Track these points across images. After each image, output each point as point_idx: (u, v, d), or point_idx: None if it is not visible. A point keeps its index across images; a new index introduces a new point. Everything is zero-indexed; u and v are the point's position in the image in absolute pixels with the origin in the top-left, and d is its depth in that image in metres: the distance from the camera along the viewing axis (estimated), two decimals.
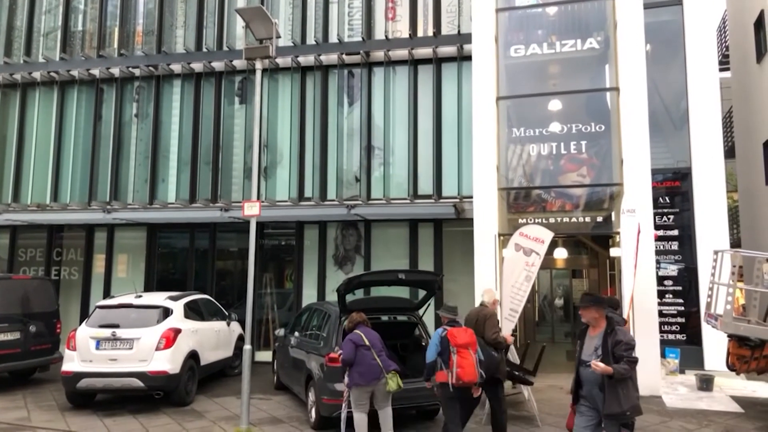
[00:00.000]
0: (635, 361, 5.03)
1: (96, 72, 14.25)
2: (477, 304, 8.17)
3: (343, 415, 6.89)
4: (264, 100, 13.09)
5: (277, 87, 13.64)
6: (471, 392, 6.39)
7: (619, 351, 5.02)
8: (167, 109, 14.13)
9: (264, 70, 12.54)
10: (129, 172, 14.09)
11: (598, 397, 5.06)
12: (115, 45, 14.47)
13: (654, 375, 9.55)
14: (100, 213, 13.38)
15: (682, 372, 10.92)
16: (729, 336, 8.75)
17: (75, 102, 14.45)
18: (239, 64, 13.55)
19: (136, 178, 14.00)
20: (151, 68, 14.03)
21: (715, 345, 10.64)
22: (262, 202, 11.71)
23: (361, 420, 6.76)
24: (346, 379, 6.82)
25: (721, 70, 13.70)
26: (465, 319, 7.18)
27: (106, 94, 14.44)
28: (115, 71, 14.20)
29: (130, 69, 14.15)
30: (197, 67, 13.83)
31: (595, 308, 5.26)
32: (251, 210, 8.24)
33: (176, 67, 13.92)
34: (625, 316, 9.52)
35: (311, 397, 7.92)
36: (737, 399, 9.27)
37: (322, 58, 13.20)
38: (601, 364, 4.94)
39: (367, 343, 6.78)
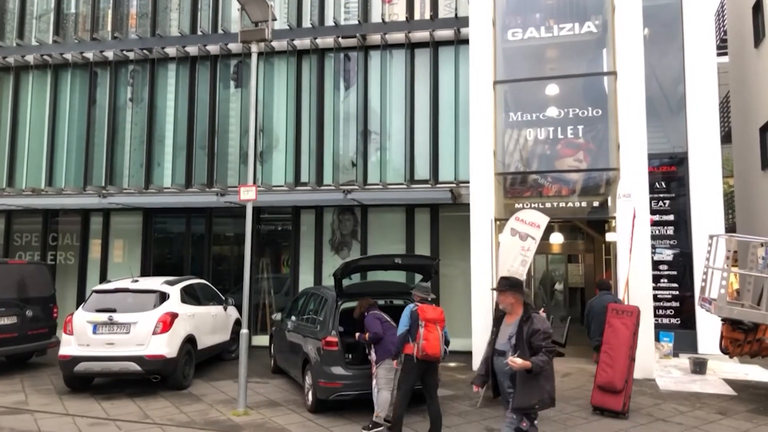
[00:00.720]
0: (553, 351, 4.76)
1: (89, 55, 14.12)
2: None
3: (375, 392, 7.02)
4: (260, 84, 12.99)
5: (273, 71, 13.55)
6: (433, 367, 6.63)
7: (537, 341, 4.71)
8: (162, 93, 14.03)
9: (259, 54, 12.48)
10: (124, 156, 14.03)
11: (509, 390, 4.82)
12: (109, 28, 14.32)
13: (648, 358, 9.64)
14: (95, 198, 13.33)
15: (675, 355, 11.02)
16: (722, 320, 8.83)
17: (69, 85, 14.32)
18: (234, 47, 13.43)
19: (131, 163, 13.93)
20: (145, 51, 13.90)
21: (708, 329, 10.73)
22: (258, 186, 11.65)
23: (386, 398, 6.90)
24: (373, 355, 7.05)
25: (718, 54, 13.65)
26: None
27: (100, 77, 14.32)
28: (109, 54, 14.07)
29: (124, 52, 14.02)
30: (192, 50, 13.71)
31: (512, 293, 4.95)
32: (247, 194, 8.22)
33: (171, 51, 13.79)
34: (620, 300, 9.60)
35: (308, 380, 7.97)
36: (730, 382, 9.37)
37: (318, 41, 13.10)
38: (519, 361, 4.63)
39: (388, 319, 7.10)
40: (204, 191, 13.22)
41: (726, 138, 17.11)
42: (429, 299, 6.90)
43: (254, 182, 8.74)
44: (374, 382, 7.10)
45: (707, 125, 11.73)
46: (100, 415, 7.75)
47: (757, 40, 14.77)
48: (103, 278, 13.51)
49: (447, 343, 6.67)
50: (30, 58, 14.42)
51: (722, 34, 18.32)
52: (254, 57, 8.71)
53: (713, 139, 11.70)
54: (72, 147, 14.15)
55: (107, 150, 13.95)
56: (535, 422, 4.91)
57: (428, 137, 12.49)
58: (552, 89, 10.92)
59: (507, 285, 4.99)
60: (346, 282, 8.16)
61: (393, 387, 6.98)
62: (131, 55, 13.96)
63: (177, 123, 13.72)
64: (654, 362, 9.89)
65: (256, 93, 9.23)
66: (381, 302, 8.77)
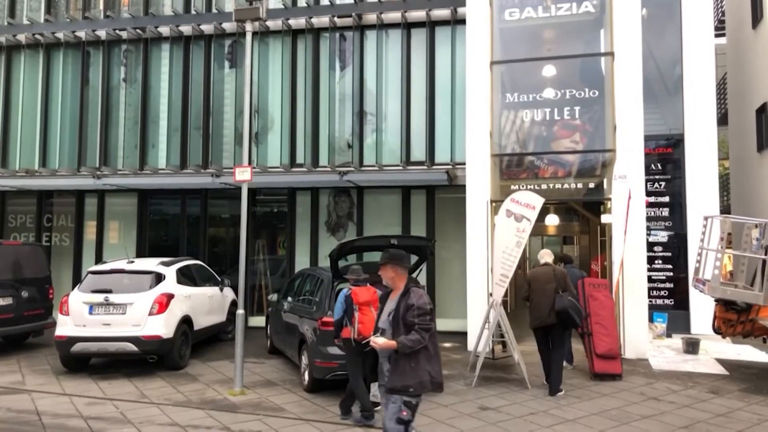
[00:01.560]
0: (428, 329, 4.33)
1: (82, 35, 13.95)
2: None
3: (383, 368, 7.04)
4: (254, 65, 12.87)
5: (268, 51, 13.42)
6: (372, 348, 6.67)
7: (410, 317, 4.32)
8: (156, 74, 13.89)
9: (254, 34, 12.29)
10: (118, 137, 13.93)
11: (388, 375, 4.46)
12: (101, 6, 14.13)
13: (641, 339, 9.73)
14: (89, 179, 13.26)
15: (669, 336, 11.12)
16: (716, 300, 8.90)
17: (61, 65, 14.16)
18: (229, 27, 13.28)
19: (125, 144, 13.85)
20: (138, 31, 13.73)
21: (702, 310, 10.82)
22: (254, 168, 11.61)
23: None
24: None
25: (716, 36, 13.56)
26: (536, 277, 7.97)
27: (92, 57, 14.16)
28: (102, 34, 13.89)
29: (117, 32, 13.84)
30: (186, 30, 13.55)
31: (392, 266, 4.56)
32: (242, 175, 8.19)
33: (164, 30, 13.63)
34: (614, 281, 9.66)
35: (304, 360, 8.02)
36: (722, 362, 9.47)
37: (314, 20, 12.95)
38: (381, 340, 4.37)
39: None
40: (199, 172, 13.16)
41: (722, 120, 17.07)
42: (362, 280, 6.97)
43: (249, 163, 8.71)
44: None
45: (704, 107, 11.70)
46: (97, 394, 7.80)
47: (755, 21, 14.68)
48: (98, 259, 13.49)
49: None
50: (22, 38, 14.24)
51: (720, 15, 18.20)
52: (249, 36, 8.62)
53: (710, 121, 11.69)
54: (65, 128, 14.04)
55: (101, 131, 13.84)
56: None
57: (424, 118, 12.43)
58: (549, 70, 10.85)
59: (387, 258, 4.60)
60: (342, 263, 8.16)
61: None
62: (124, 35, 13.79)
63: (171, 104, 13.60)
64: (647, 342, 9.98)
65: (251, 73, 9.14)
66: None
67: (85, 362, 9.22)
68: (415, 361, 4.35)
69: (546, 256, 8.35)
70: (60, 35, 14.03)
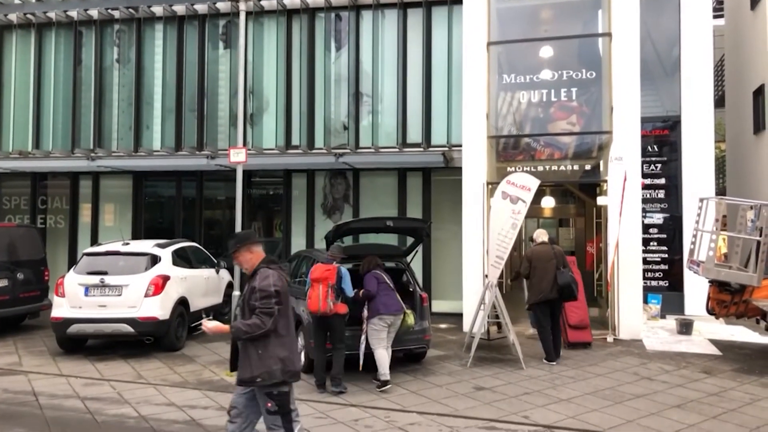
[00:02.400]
0: (270, 313, 4.01)
1: (74, 14, 13.73)
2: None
3: (362, 348, 7.25)
4: (249, 45, 12.70)
5: (263, 31, 13.26)
6: (331, 321, 6.98)
7: (253, 300, 4.05)
8: (150, 54, 13.73)
9: (248, 14, 12.19)
10: (112, 119, 13.81)
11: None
12: None
13: (635, 320, 9.80)
14: (84, 160, 13.17)
15: (663, 317, 11.19)
16: (710, 282, 8.95)
17: (53, 46, 13.97)
18: (223, 6, 13.08)
19: (119, 125, 13.73)
20: (131, 10, 13.54)
21: (696, 291, 10.88)
22: (249, 149, 11.56)
23: (382, 355, 7.09)
24: (365, 312, 7.20)
25: (714, 17, 13.47)
26: (537, 255, 8.32)
27: (85, 37, 13.98)
28: (94, 13, 13.69)
29: (110, 11, 13.64)
30: (179, 9, 13.36)
31: (245, 249, 4.27)
32: (237, 156, 8.17)
33: (158, 10, 13.44)
34: (610, 263, 9.71)
35: (300, 341, 8.03)
36: (715, 342, 9.55)
37: (309, 0, 12.79)
38: (210, 324, 4.15)
39: (387, 280, 7.24)
40: (194, 154, 13.08)
41: (719, 102, 17.04)
42: (325, 257, 7.35)
43: (244, 145, 8.67)
44: (362, 338, 7.27)
45: (701, 89, 11.66)
46: (94, 375, 7.83)
47: (754, 2, 14.57)
48: (93, 241, 13.45)
49: (343, 297, 7.00)
50: (13, 17, 14.02)
51: None
52: (242, 16, 8.55)
53: (707, 103, 11.65)
54: (58, 109, 13.90)
55: (95, 112, 13.71)
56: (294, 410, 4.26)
57: (421, 100, 12.35)
58: (546, 51, 10.77)
59: (235, 243, 4.30)
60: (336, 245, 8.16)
61: (387, 345, 7.18)
62: (116, 14, 13.59)
63: (165, 85, 13.47)
64: (641, 324, 10.05)
65: (245, 54, 9.08)
66: None
67: (82, 343, 9.24)
68: (263, 348, 4.06)
69: (542, 235, 8.70)
70: (52, 15, 13.82)
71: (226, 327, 4.13)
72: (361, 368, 7.27)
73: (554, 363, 8.17)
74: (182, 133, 13.36)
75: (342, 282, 7.02)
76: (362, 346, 7.27)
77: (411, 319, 7.39)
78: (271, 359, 4.06)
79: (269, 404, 4.11)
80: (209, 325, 4.18)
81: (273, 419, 4.15)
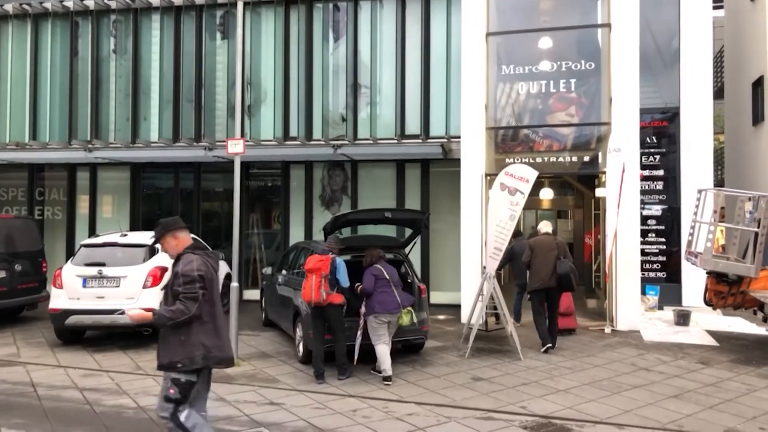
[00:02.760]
0: (194, 298, 3.96)
1: (70, 4, 13.63)
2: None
3: (357, 343, 7.28)
4: (246, 36, 12.65)
5: (260, 22, 13.19)
6: (328, 311, 7.05)
7: (176, 286, 4.00)
8: (147, 45, 13.64)
9: (246, 4, 12.09)
10: (109, 110, 13.73)
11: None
12: None
13: (633, 311, 9.82)
14: (81, 152, 13.11)
15: (660, 308, 11.22)
16: (708, 273, 8.96)
17: (49, 36, 13.88)
18: None
19: (117, 117, 13.66)
20: (128, 1, 13.45)
21: (693, 283, 10.91)
22: (247, 141, 11.51)
23: (384, 351, 7.05)
24: (362, 308, 7.19)
25: (714, 8, 13.41)
26: (539, 244, 8.46)
27: (81, 28, 13.88)
28: (90, 3, 13.59)
29: (106, 1, 13.54)
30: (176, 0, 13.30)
31: (169, 235, 4.24)
32: (235, 148, 8.12)
33: (154, 0, 13.35)
34: (608, 254, 9.71)
35: (299, 332, 8.06)
36: (713, 333, 9.58)
37: None
38: (134, 312, 4.13)
39: (387, 276, 7.13)
40: (192, 146, 13.03)
41: (718, 94, 17.00)
42: (321, 249, 7.49)
43: (242, 135, 8.62)
44: (358, 333, 7.28)
45: (700, 80, 11.63)
46: (92, 366, 7.83)
47: None
48: (91, 233, 13.43)
49: (338, 287, 7.09)
50: (9, 8, 13.91)
51: None
52: (240, 6, 8.47)
53: (706, 95, 11.63)
54: (55, 100, 13.83)
55: (92, 103, 13.64)
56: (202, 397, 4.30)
57: (419, 91, 12.30)
58: (545, 42, 10.73)
59: (159, 231, 4.25)
60: (334, 236, 8.14)
61: (387, 341, 7.13)
62: (113, 5, 13.49)
63: (163, 76, 13.40)
64: (639, 315, 10.07)
65: (243, 44, 9.01)
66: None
67: (80, 335, 9.24)
68: (186, 334, 4.02)
69: (546, 226, 8.87)
70: (48, 5, 13.72)
71: (148, 314, 4.07)
72: (356, 362, 7.28)
73: (549, 345, 8.35)
74: (180, 125, 13.30)
75: (337, 273, 7.04)
76: (358, 340, 7.28)
77: (406, 320, 7.16)
78: (194, 346, 4.02)
79: (172, 390, 4.09)
80: (132, 313, 4.14)
81: (167, 406, 4.12)
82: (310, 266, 7.07)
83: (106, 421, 5.90)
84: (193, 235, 4.44)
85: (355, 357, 7.31)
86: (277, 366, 7.81)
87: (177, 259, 4.18)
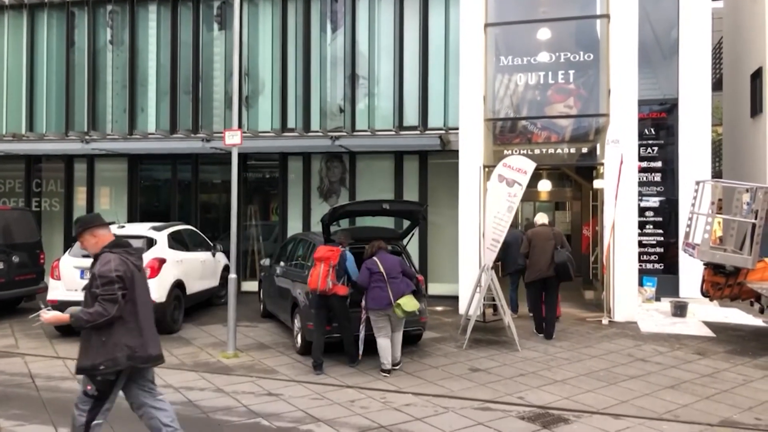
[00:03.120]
0: (112, 300, 3.87)
1: None
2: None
3: (361, 336, 7.31)
4: (244, 27, 12.60)
5: (257, 12, 13.11)
6: (332, 300, 7.12)
7: (94, 288, 3.89)
8: (143, 36, 13.57)
9: None
10: (106, 101, 13.68)
11: None
12: None
13: (631, 302, 9.85)
14: (78, 143, 13.07)
15: (658, 300, 11.25)
16: (705, 264, 8.98)
17: (46, 27, 13.81)
18: None
19: (114, 108, 13.61)
20: None
21: (690, 274, 10.93)
22: (244, 132, 11.49)
23: (384, 344, 7.04)
24: (363, 302, 7.22)
25: None
26: (537, 235, 8.67)
27: (77, 18, 13.80)
28: None
29: None
30: None
31: (88, 233, 4.12)
32: (232, 139, 8.09)
33: None
34: (605, 246, 9.73)
35: (297, 323, 8.08)
36: (709, 324, 9.62)
37: None
38: (49, 314, 4.01)
39: (382, 270, 7.01)
40: (189, 137, 13.00)
41: (717, 85, 16.98)
42: (319, 241, 7.71)
43: (239, 127, 8.61)
44: (361, 326, 7.30)
45: (699, 72, 11.60)
46: None
47: None
48: None
49: (346, 277, 7.18)
50: None
51: None
52: None
53: (704, 86, 11.60)
54: (52, 91, 13.77)
55: (89, 94, 13.59)
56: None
57: (417, 83, 12.27)
58: (544, 33, 10.68)
59: (79, 227, 4.13)
60: (334, 228, 8.15)
61: (387, 333, 7.09)
62: None
63: (160, 67, 13.34)
64: (636, 306, 10.10)
65: (240, 35, 8.98)
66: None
67: None
68: (107, 336, 3.92)
69: (543, 218, 9.15)
70: None
71: (65, 317, 3.95)
72: (360, 356, 7.30)
73: (542, 335, 8.61)
74: (177, 116, 13.26)
75: (346, 263, 7.15)
76: (361, 334, 7.30)
77: (410, 306, 6.92)
78: (117, 347, 3.93)
79: (89, 387, 4.02)
80: (46, 315, 4.05)
81: (85, 401, 4.06)
82: (319, 255, 7.16)
83: None
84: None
85: (360, 350, 7.31)
86: (275, 357, 7.83)
87: (95, 258, 4.07)
